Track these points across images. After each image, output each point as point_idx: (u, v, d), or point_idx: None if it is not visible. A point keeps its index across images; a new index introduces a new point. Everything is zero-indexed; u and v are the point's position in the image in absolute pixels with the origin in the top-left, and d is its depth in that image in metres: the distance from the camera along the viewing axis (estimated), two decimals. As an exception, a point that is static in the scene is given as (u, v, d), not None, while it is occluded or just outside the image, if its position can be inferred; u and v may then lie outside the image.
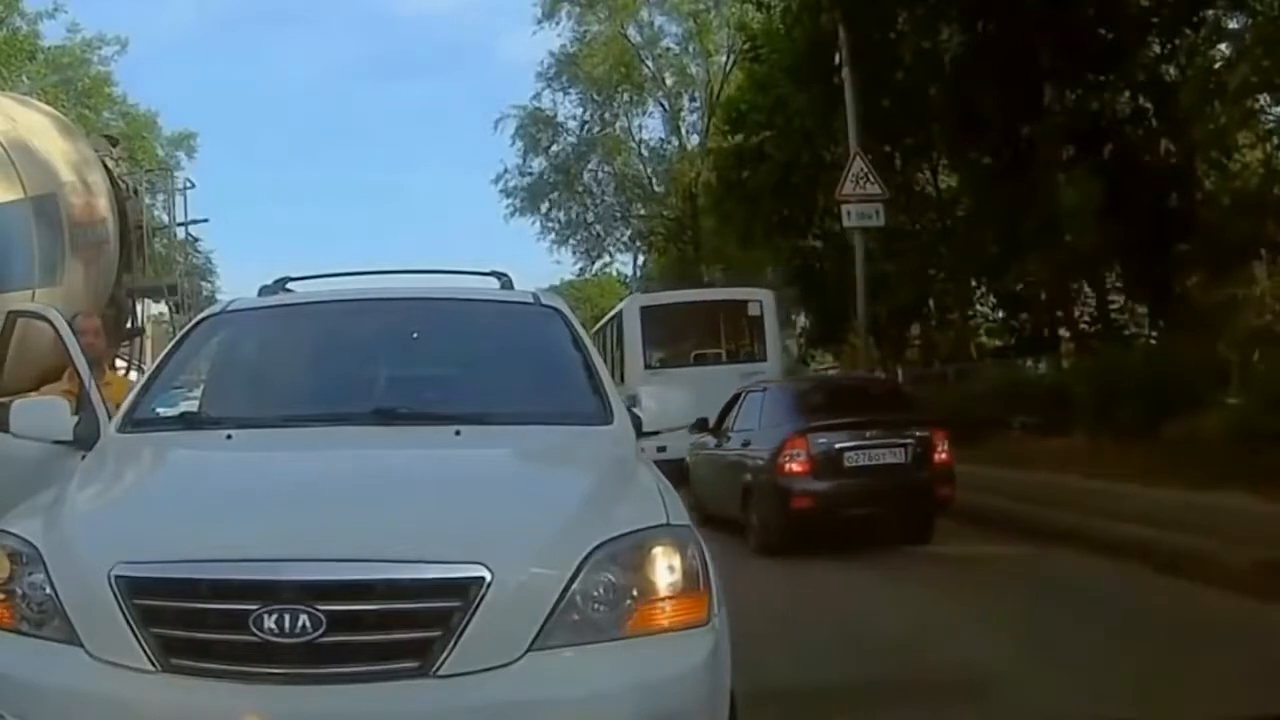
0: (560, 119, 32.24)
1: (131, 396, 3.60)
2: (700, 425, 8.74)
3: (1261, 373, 10.44)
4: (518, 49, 74.82)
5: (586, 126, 32.26)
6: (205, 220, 16.35)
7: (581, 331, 3.86)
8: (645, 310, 13.69)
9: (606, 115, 32.03)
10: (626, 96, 31.64)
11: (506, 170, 32.60)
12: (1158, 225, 12.22)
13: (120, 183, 10.86)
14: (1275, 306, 12.25)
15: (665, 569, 2.50)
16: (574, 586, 2.37)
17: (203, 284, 26.92)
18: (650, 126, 32.48)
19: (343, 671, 2.25)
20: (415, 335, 3.98)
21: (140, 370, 10.29)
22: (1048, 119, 12.85)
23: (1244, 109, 11.08)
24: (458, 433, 3.11)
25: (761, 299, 14.30)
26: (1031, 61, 13.07)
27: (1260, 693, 3.96)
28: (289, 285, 4.25)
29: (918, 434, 8.40)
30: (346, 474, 2.92)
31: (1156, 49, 13.04)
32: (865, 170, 14.69)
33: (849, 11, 14.99)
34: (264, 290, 4.22)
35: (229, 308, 4.16)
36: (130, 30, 56.57)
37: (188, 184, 13.68)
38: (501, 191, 32.75)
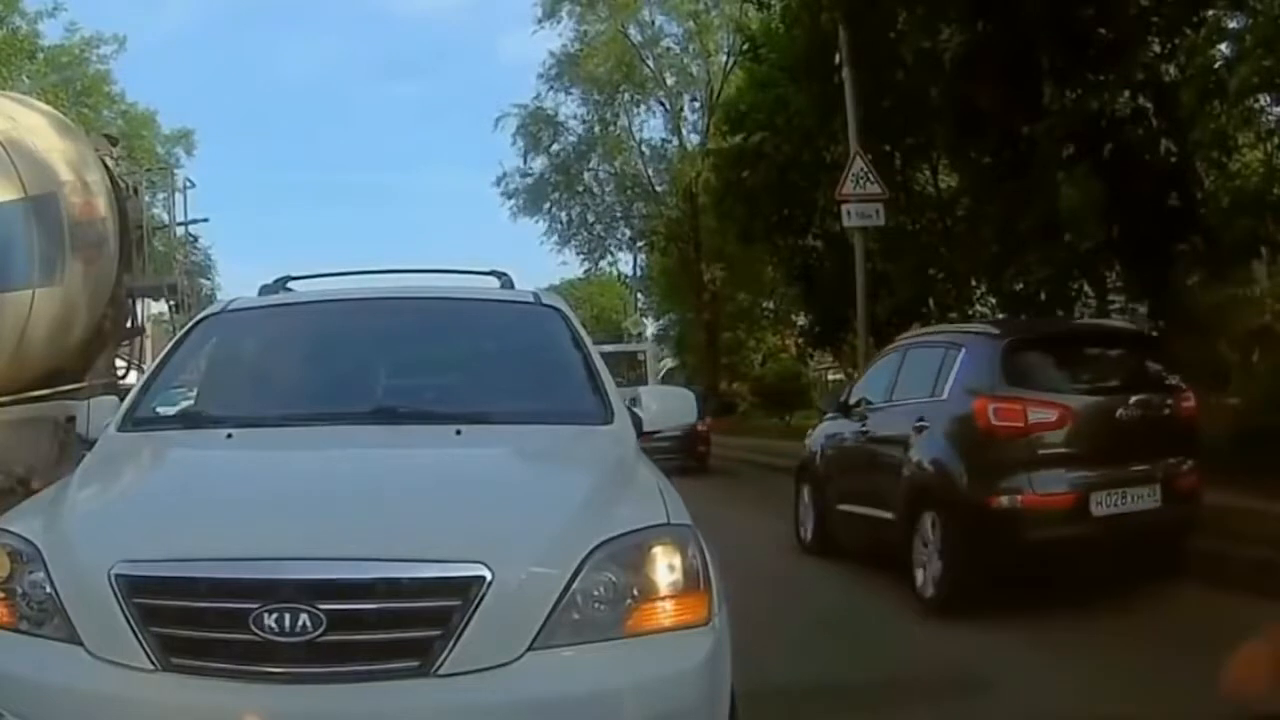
0: (561, 118, 32.27)
1: (132, 396, 3.60)
2: None
3: (1261, 372, 10.43)
4: (518, 49, 75.17)
5: (587, 126, 32.26)
6: (205, 220, 16.33)
7: (582, 331, 3.86)
8: None
9: (607, 115, 32.02)
10: (627, 96, 31.62)
11: (506, 173, 32.64)
12: (1158, 225, 12.18)
13: (120, 182, 10.83)
14: (1275, 306, 12.24)
15: (665, 568, 2.50)
16: (574, 586, 2.37)
17: (202, 281, 26.96)
18: (651, 126, 32.53)
19: (343, 671, 2.25)
20: (416, 335, 3.98)
21: (140, 370, 10.28)
22: (1048, 119, 12.80)
23: (1244, 109, 11.06)
24: (458, 432, 3.11)
25: (646, 349, 21.67)
26: (1031, 61, 13.03)
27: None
28: (290, 284, 4.25)
29: (690, 424, 14.14)
30: (347, 473, 2.92)
31: (1156, 49, 13.01)
32: (865, 170, 14.68)
33: (849, 11, 14.97)
34: (265, 289, 4.23)
35: (229, 307, 4.16)
36: (128, 29, 56.75)
37: (188, 183, 13.62)
38: (503, 194, 32.78)
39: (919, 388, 7.04)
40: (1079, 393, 6.42)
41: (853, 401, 8.08)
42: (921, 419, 6.71)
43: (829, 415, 8.66)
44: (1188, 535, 6.42)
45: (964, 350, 6.79)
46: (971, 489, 6.18)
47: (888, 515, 6.78)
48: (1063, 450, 6.16)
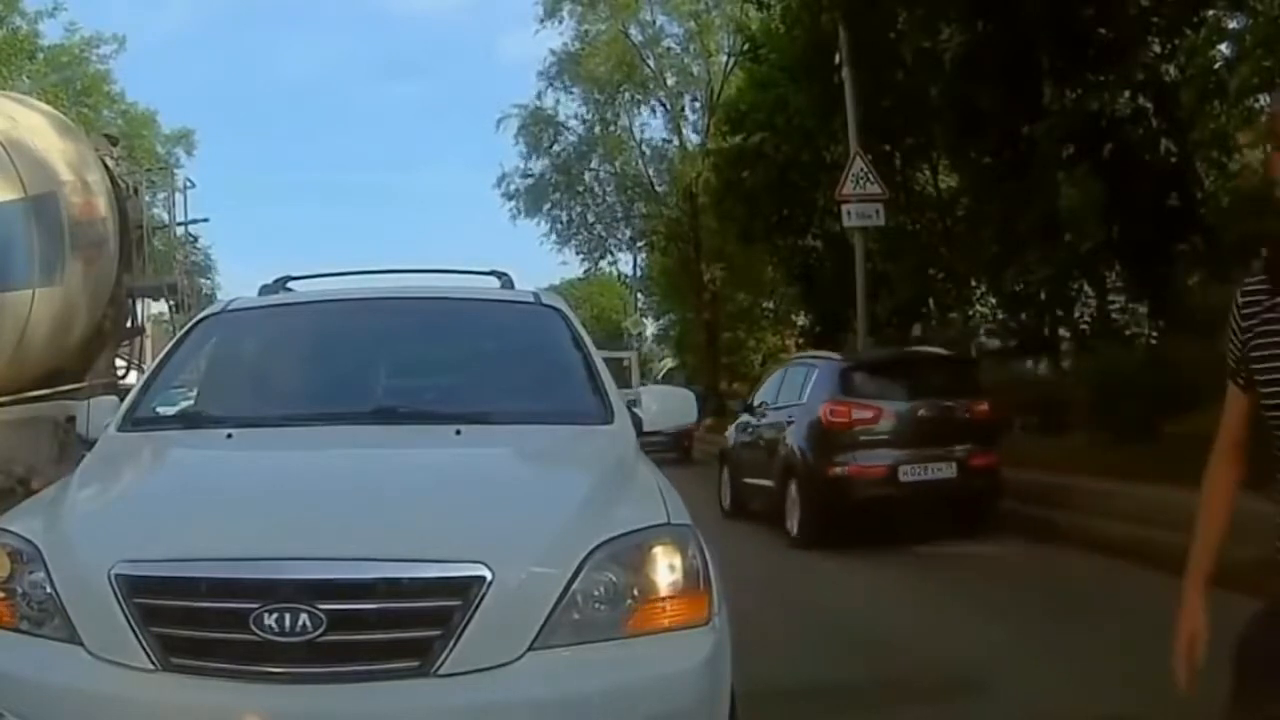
0: (562, 118, 32.23)
1: (132, 396, 3.60)
2: None
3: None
4: (518, 49, 75.22)
5: (588, 126, 32.22)
6: (205, 220, 16.34)
7: (582, 331, 3.86)
8: None
9: (608, 115, 31.98)
10: (628, 96, 31.58)
11: (506, 173, 32.59)
12: (1158, 225, 12.19)
13: (120, 182, 10.82)
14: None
15: (666, 568, 2.50)
16: (574, 586, 2.37)
17: (202, 281, 26.94)
18: (652, 126, 32.48)
19: (343, 670, 2.25)
20: (416, 335, 3.98)
21: (140, 370, 10.28)
22: (1048, 119, 12.81)
23: (1244, 109, 11.06)
24: (458, 432, 3.11)
25: (630, 356, 23.52)
26: (1031, 61, 13.04)
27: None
28: (290, 284, 4.25)
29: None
30: (347, 473, 2.92)
31: (1156, 49, 13.01)
32: (865, 170, 14.67)
33: (849, 11, 14.97)
34: (264, 289, 4.22)
35: (229, 307, 4.16)
36: (128, 29, 56.78)
37: (188, 183, 13.61)
38: (503, 195, 32.72)
39: (792, 395, 9.93)
40: (892, 399, 9.14)
41: (756, 404, 10.87)
42: (790, 417, 9.64)
43: (741, 413, 11.50)
44: (987, 500, 8.96)
45: (817, 370, 9.78)
46: (817, 463, 9.00)
47: (771, 484, 9.66)
48: (879, 437, 8.93)
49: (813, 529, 8.80)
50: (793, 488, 9.17)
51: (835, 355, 10.76)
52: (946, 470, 8.79)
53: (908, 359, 11.06)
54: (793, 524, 9.07)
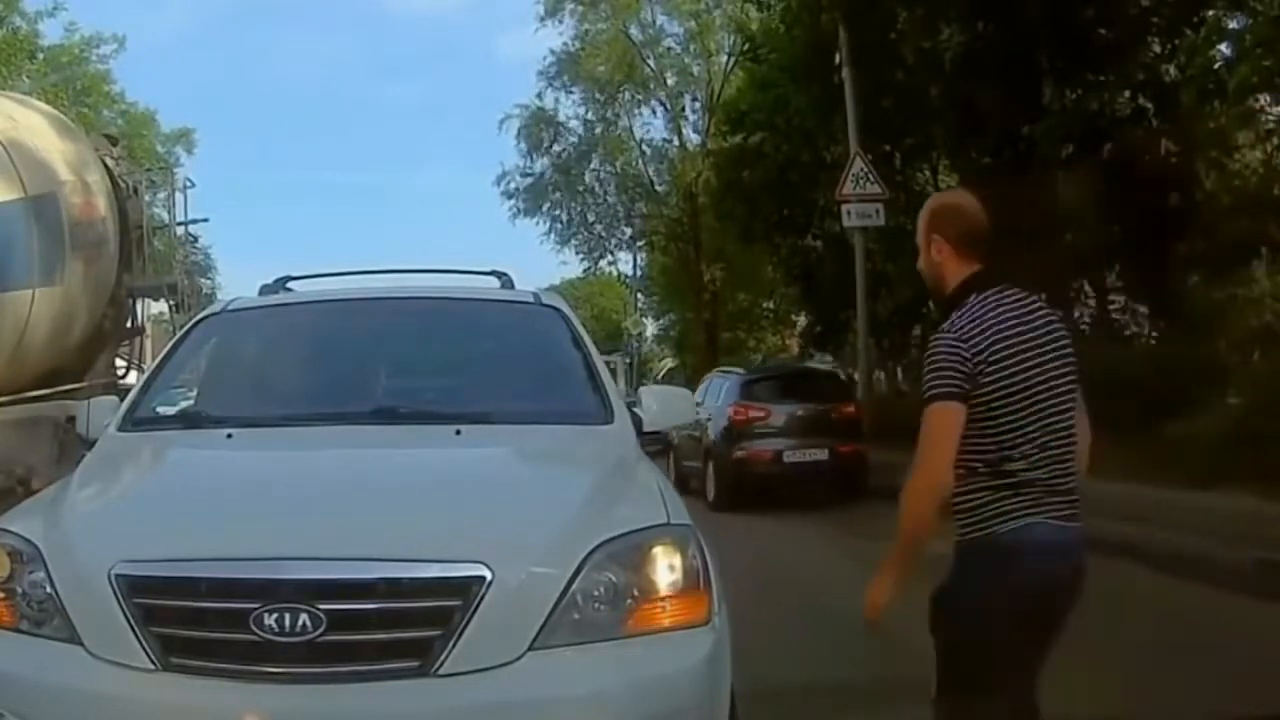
0: (562, 118, 32.20)
1: (132, 395, 3.60)
2: None
3: (1261, 373, 10.43)
4: (517, 48, 75.26)
5: (589, 126, 32.19)
6: (205, 220, 16.34)
7: (582, 331, 3.86)
8: None
9: (608, 114, 31.95)
10: (628, 96, 31.56)
11: (506, 172, 32.57)
12: (1158, 225, 12.20)
13: (120, 182, 10.80)
14: (1275, 306, 12.22)
15: (665, 568, 2.51)
16: (574, 586, 2.37)
17: (202, 281, 26.93)
18: (653, 126, 32.44)
19: (343, 671, 2.25)
20: (416, 335, 3.98)
21: (140, 370, 10.28)
22: (1048, 119, 12.81)
23: (1244, 109, 11.06)
24: (458, 432, 3.11)
25: (618, 359, 27.05)
26: (1031, 61, 13.05)
27: (1259, 692, 3.96)
28: (289, 284, 4.25)
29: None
30: (347, 473, 2.92)
31: (1156, 49, 13.02)
32: (865, 170, 14.68)
33: (849, 11, 14.97)
34: (264, 289, 4.22)
35: (229, 307, 4.17)
36: (128, 29, 56.77)
37: (188, 183, 13.58)
38: (503, 193, 32.69)
39: (714, 399, 12.90)
40: (779, 402, 12.42)
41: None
42: (710, 415, 12.32)
43: None
44: (852, 477, 11.81)
45: (729, 381, 13.27)
46: (725, 449, 12.14)
47: (698, 465, 12.73)
48: (769, 430, 12.08)
49: (723, 497, 11.84)
50: (710, 467, 12.35)
51: (741, 370, 14.57)
52: (820, 455, 11.87)
53: (794, 373, 15.35)
54: (710, 494, 12.11)
